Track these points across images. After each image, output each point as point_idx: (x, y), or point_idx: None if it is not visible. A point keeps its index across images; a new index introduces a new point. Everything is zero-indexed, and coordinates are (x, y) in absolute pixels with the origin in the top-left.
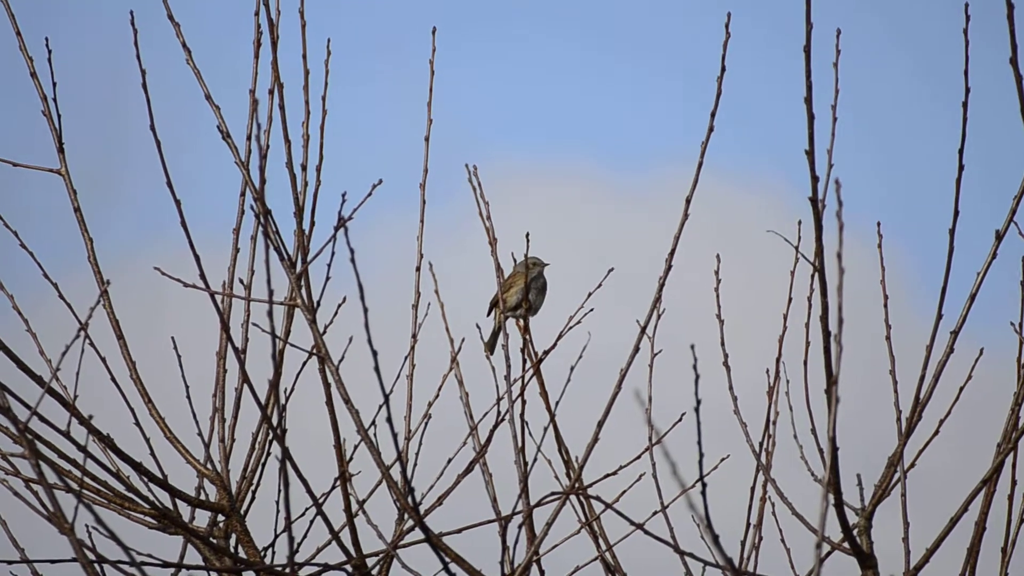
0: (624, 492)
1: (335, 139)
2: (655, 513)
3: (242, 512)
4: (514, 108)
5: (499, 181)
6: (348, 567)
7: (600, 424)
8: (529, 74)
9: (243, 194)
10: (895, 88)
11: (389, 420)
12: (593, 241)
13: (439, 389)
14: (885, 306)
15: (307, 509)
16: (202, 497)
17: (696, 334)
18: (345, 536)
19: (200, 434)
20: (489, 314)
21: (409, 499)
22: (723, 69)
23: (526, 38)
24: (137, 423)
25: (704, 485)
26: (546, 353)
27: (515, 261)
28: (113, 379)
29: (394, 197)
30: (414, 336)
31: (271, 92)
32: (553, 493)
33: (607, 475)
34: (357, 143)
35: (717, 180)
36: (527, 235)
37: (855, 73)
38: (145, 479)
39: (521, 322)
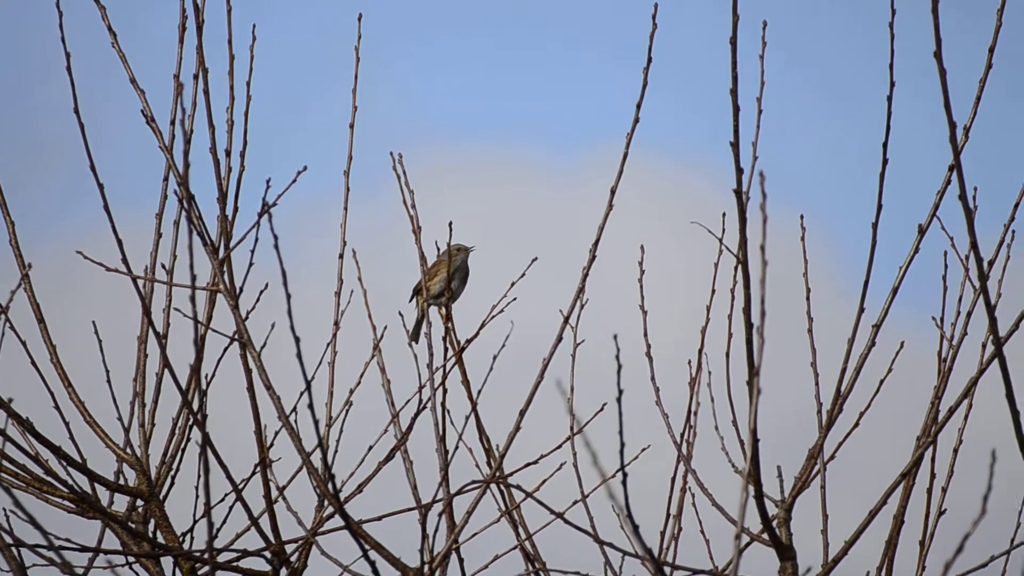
0: (545, 481)
1: (266, 126)
2: (575, 502)
3: (161, 497)
4: (446, 96)
5: (431, 167)
6: (267, 553)
7: (522, 413)
8: (458, 60)
9: (166, 179)
10: (823, 81)
11: (310, 406)
12: (524, 226)
13: (361, 376)
14: (807, 299)
15: (227, 495)
16: (121, 482)
17: (619, 324)
18: (264, 522)
19: (120, 419)
20: (411, 300)
21: (329, 486)
22: (649, 60)
23: (456, 25)
24: (57, 407)
25: (625, 475)
26: (468, 342)
27: (439, 248)
28: (33, 362)
29: (321, 184)
30: (336, 323)
31: (196, 77)
32: (474, 481)
33: (528, 464)
34: (286, 129)
35: (653, 154)
36: (450, 224)
37: (782, 65)
38: (64, 463)
39: (443, 310)
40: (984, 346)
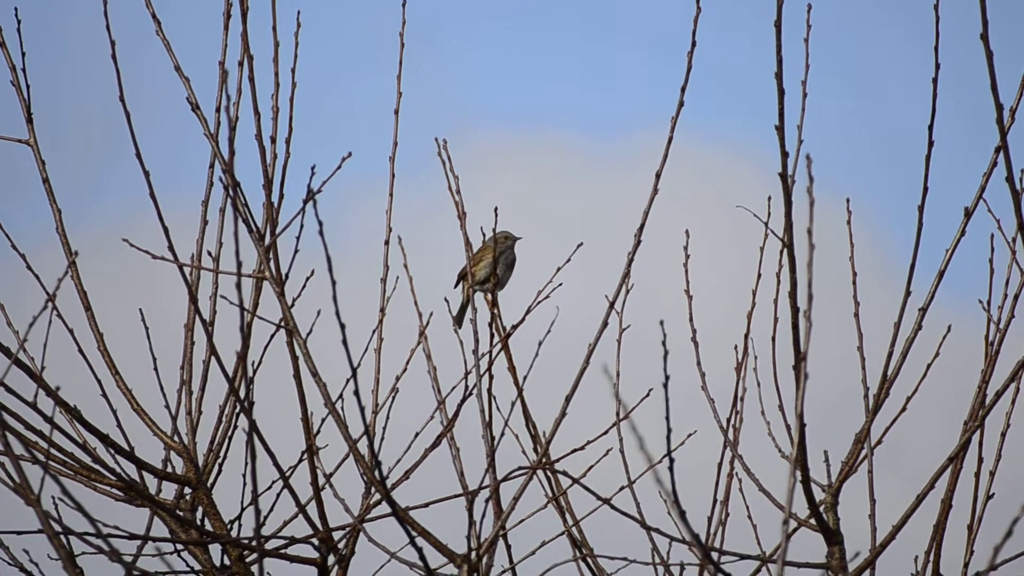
0: (591, 467)
1: (308, 112)
2: (622, 488)
3: (209, 485)
4: (489, 81)
5: (475, 154)
6: (314, 540)
7: (568, 399)
8: (501, 47)
9: (212, 166)
10: (870, 62)
11: (357, 393)
12: (567, 213)
13: (407, 363)
14: (854, 282)
15: (274, 482)
16: (169, 469)
17: (664, 309)
18: (312, 509)
19: (167, 406)
20: (456, 286)
21: (376, 473)
22: (693, 44)
23: (501, 9)
24: (104, 395)
25: (671, 460)
26: (514, 328)
27: (484, 235)
28: (80, 351)
29: (366, 170)
30: (382, 310)
31: (240, 64)
32: (520, 468)
33: (574, 450)
34: (331, 116)
35: (696, 141)
36: (495, 209)
37: (829, 47)
38: (112, 451)
39: (489, 296)
40: None
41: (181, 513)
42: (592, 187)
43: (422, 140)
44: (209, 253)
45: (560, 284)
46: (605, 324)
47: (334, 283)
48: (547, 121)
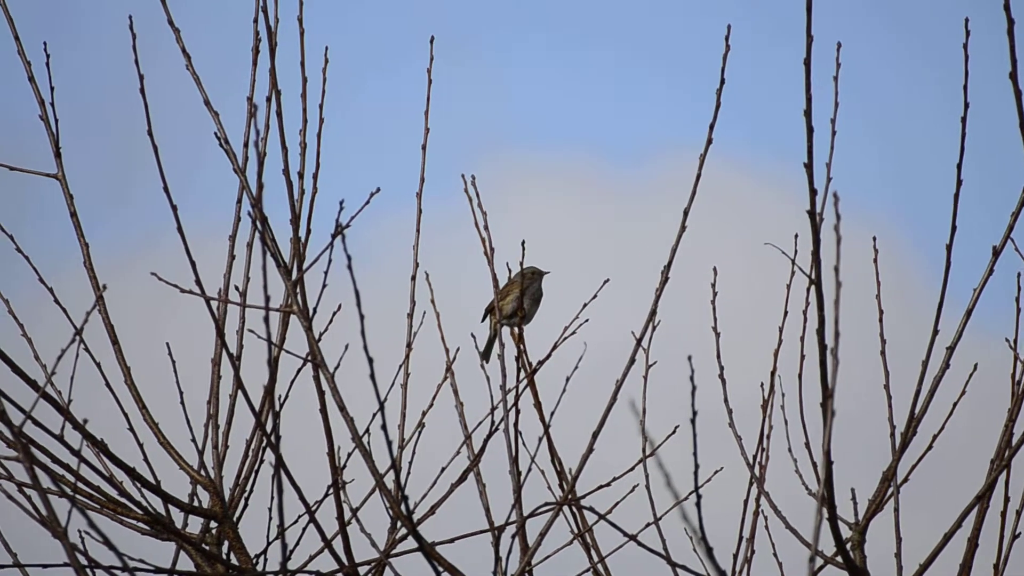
0: (618, 503)
1: (336, 146)
2: (648, 525)
3: (235, 519)
4: (513, 108)
5: (500, 181)
6: (340, 575)
7: (595, 435)
8: (526, 74)
9: (240, 201)
10: (900, 100)
11: (384, 428)
12: (594, 243)
13: (434, 398)
14: (880, 321)
15: (300, 516)
16: (195, 503)
17: (692, 345)
18: (338, 544)
19: (194, 440)
20: (484, 319)
21: (402, 507)
22: (722, 81)
23: (521, 38)
24: (131, 428)
25: (698, 497)
26: (540, 363)
27: (511, 270)
28: (108, 384)
29: (393, 205)
30: (409, 345)
31: (269, 99)
32: (546, 503)
33: (601, 486)
34: (358, 150)
35: (726, 170)
36: (523, 243)
37: (860, 82)
38: (138, 484)
39: (516, 331)
40: None
41: (207, 547)
42: (620, 213)
43: (451, 161)
44: (236, 287)
45: (587, 320)
46: (632, 360)
47: (362, 317)
48: (577, 144)
